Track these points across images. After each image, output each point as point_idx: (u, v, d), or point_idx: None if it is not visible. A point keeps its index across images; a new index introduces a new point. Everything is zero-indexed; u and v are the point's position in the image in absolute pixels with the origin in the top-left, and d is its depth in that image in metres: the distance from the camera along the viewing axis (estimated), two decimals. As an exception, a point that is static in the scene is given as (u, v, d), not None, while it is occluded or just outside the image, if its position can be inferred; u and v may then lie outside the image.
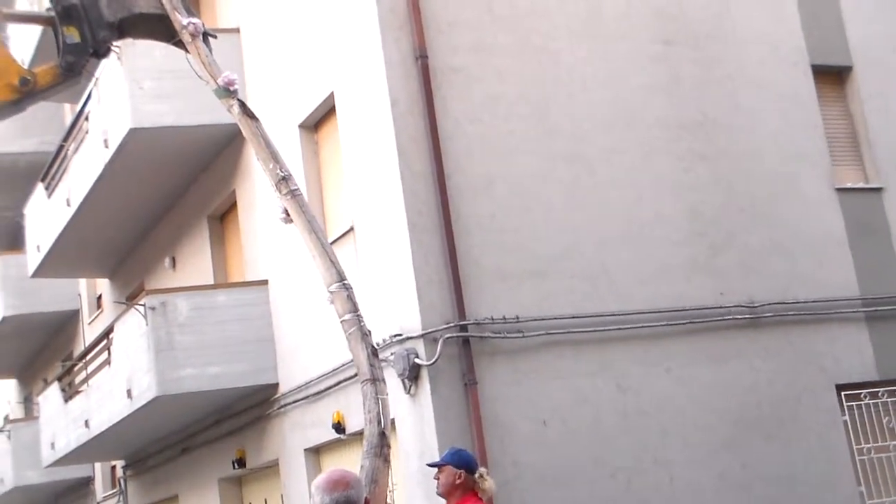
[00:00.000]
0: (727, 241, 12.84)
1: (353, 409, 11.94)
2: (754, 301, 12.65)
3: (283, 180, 6.67)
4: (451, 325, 11.15)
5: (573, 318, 11.66)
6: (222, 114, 15.60)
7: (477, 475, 6.59)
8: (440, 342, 11.02)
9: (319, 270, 6.48)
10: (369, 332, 6.37)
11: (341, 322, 6.37)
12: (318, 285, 12.94)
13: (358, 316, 6.33)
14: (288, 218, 6.73)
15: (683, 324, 12.20)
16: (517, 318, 11.40)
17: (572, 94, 12.49)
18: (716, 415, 12.16)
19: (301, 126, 13.52)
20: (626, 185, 12.46)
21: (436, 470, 6.66)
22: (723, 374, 12.33)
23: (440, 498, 6.66)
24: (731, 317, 12.48)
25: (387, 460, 6.05)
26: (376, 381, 6.25)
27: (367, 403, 6.24)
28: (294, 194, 6.67)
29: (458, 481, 6.51)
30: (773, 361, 12.65)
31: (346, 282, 6.42)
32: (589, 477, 11.37)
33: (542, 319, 11.53)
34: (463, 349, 11.18)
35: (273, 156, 6.74)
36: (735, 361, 12.44)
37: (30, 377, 27.26)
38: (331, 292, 6.44)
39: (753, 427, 12.30)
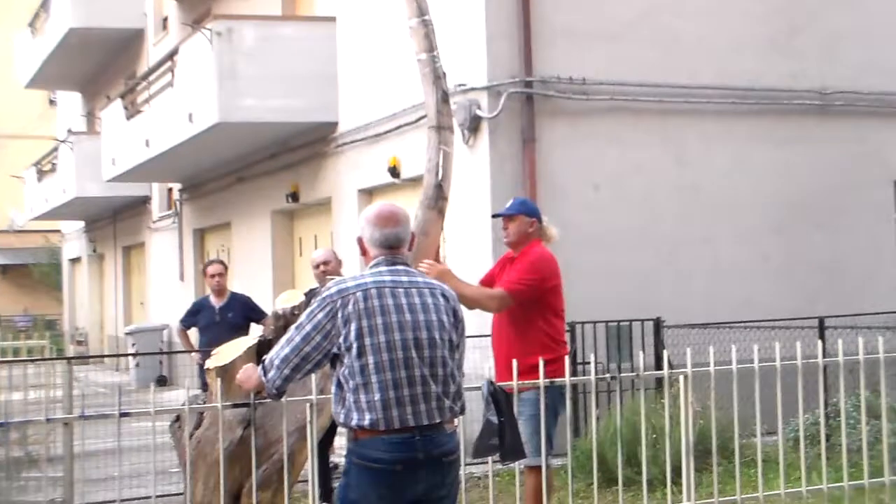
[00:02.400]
0: (809, 22, 12.46)
1: (410, 154, 12.01)
2: (826, 88, 12.36)
3: None
4: (517, 80, 11.05)
5: (640, 85, 11.50)
6: None
7: (545, 223, 6.68)
8: (503, 96, 10.96)
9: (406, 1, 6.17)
10: (444, 74, 6.10)
11: (417, 61, 6.14)
12: (386, 25, 12.81)
13: (433, 56, 6.08)
14: None
15: (752, 104, 12.02)
16: (584, 80, 11.26)
17: None
18: (770, 197, 12.14)
19: None
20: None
21: (501, 221, 6.65)
22: (783, 157, 12.22)
23: (499, 249, 6.69)
24: (800, 101, 12.25)
25: (441, 213, 5.99)
26: (441, 129, 6.07)
27: (429, 152, 6.09)
28: None
29: (530, 229, 6.56)
30: (835, 150, 12.50)
31: (426, 17, 6.11)
32: (633, 245, 11.50)
33: (609, 84, 11.38)
34: (525, 105, 11.13)
35: None
36: (797, 146, 12.30)
37: (93, 92, 27.53)
38: (410, 27, 6.17)
39: (805, 213, 12.30)
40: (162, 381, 19.18)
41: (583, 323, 10.31)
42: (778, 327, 10.00)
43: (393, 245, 4.21)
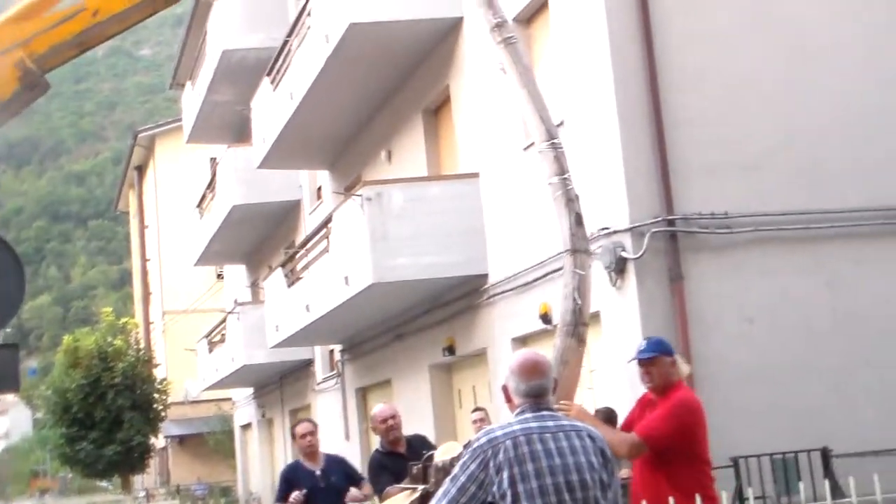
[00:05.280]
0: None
1: (561, 299, 12.14)
2: (982, 202, 12.06)
3: (498, 27, 6.40)
4: (659, 219, 11.17)
5: (784, 214, 11.46)
6: (438, 8, 15.82)
7: (679, 361, 6.34)
8: (647, 236, 11.07)
9: (534, 125, 6.19)
10: (576, 196, 6.01)
11: (548, 184, 6.08)
12: (526, 177, 13.17)
13: (564, 179, 5.98)
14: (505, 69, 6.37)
15: (903, 223, 11.80)
16: (726, 213, 11.30)
17: (793, -17, 12.08)
18: (934, 319, 11.76)
19: (515, 20, 13.56)
20: (847, 81, 12.02)
21: (639, 367, 6.24)
22: (944, 277, 11.88)
23: (642, 391, 6.37)
24: (955, 217, 11.97)
25: (581, 340, 5.79)
26: (576, 251, 5.97)
27: (566, 276, 6.00)
28: (508, 42, 6.36)
29: (672, 369, 6.21)
30: None
31: (555, 141, 6.08)
32: (795, 376, 11.26)
33: (752, 216, 11.38)
34: (670, 244, 11.20)
35: (488, 1, 6.54)
36: (958, 265, 11.94)
37: (256, 263, 28.74)
38: (539, 152, 6.16)
39: (974, 333, 11.83)
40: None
41: (746, 457, 10.10)
42: (956, 452, 9.60)
43: (537, 395, 4.31)
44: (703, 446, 6.22)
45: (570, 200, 6.00)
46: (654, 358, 6.15)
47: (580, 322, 5.82)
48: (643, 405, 6.43)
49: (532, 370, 4.33)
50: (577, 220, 6.01)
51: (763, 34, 11.89)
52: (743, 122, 11.64)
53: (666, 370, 6.15)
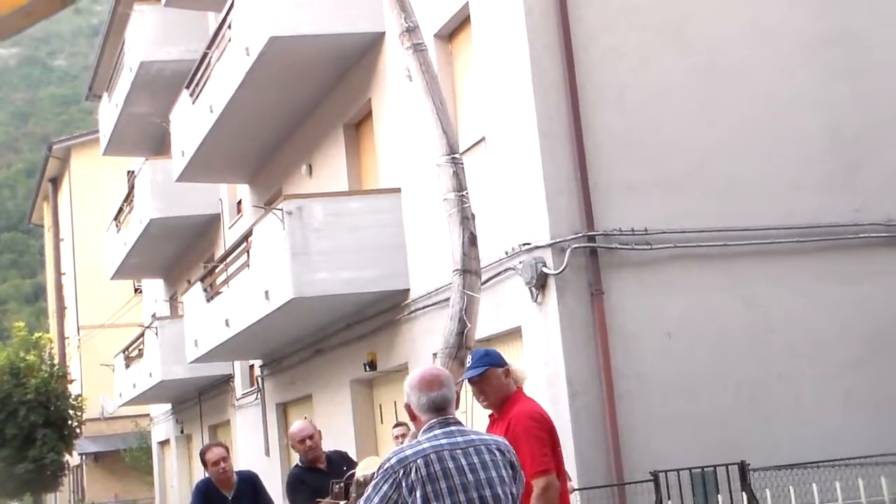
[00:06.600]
0: (866, 158, 12.55)
1: (482, 316, 12.15)
2: (892, 219, 12.37)
3: (408, 32, 6.13)
4: (580, 235, 11.26)
5: (702, 231, 11.64)
6: (360, 23, 15.77)
7: (510, 364, 5.66)
8: (568, 252, 11.15)
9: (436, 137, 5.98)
10: (472, 215, 5.84)
11: (443, 200, 5.89)
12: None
13: (461, 196, 5.82)
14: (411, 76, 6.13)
15: (816, 241, 12.05)
16: (645, 230, 11.44)
17: (709, 5, 12.28)
18: (846, 334, 12.02)
19: (436, 36, 13.62)
20: (761, 101, 12.26)
21: (471, 386, 5.56)
22: (855, 293, 12.15)
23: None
24: (866, 235, 12.25)
25: (462, 364, 5.62)
26: (467, 272, 5.82)
27: (453, 297, 5.86)
28: (417, 48, 6.09)
29: (506, 379, 5.55)
30: (908, 281, 12.39)
31: (455, 155, 5.90)
32: (712, 390, 11.43)
33: (671, 232, 11.54)
34: (590, 259, 11.30)
35: (401, 4, 6.22)
36: (869, 281, 12.23)
37: (175, 278, 28.36)
38: (438, 165, 5.98)
39: (885, 347, 12.12)
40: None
41: (666, 471, 10.20)
42: (868, 464, 9.81)
43: (441, 407, 4.31)
44: (560, 457, 5.62)
45: (466, 219, 5.81)
46: (484, 373, 5.49)
47: (464, 345, 5.64)
48: (492, 423, 5.74)
49: (432, 382, 4.33)
50: (471, 240, 5.79)
51: (679, 54, 12.09)
52: (661, 140, 11.80)
53: (499, 383, 5.50)
